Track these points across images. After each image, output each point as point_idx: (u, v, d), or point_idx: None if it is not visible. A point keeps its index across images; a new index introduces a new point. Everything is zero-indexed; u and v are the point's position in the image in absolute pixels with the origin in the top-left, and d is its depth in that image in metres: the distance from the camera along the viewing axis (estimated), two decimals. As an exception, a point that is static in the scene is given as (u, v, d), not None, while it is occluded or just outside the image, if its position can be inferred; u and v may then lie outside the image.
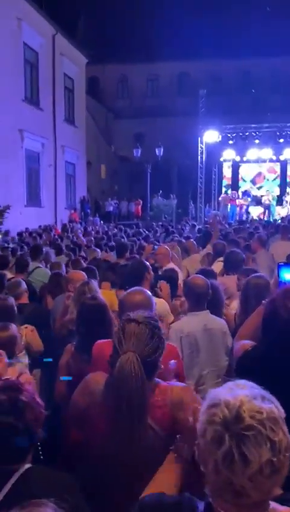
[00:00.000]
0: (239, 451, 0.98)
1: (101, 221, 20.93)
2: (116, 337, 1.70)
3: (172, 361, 1.97)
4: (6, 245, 10.47)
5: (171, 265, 5.05)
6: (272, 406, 1.03)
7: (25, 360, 3.12)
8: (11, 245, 10.25)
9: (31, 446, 1.55)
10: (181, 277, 5.42)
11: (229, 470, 0.99)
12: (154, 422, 1.66)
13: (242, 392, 1.04)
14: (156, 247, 7.07)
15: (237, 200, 21.57)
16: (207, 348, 2.92)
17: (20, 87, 17.32)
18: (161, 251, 5.32)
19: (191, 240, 7.35)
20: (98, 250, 7.60)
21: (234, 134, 21.23)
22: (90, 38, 31.61)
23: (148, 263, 4.00)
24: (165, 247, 5.52)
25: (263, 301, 2.26)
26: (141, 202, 24.59)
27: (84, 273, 4.40)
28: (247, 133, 21.09)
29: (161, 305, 3.27)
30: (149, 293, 2.40)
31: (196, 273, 4.22)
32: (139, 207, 24.75)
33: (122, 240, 9.66)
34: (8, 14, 15.88)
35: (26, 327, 3.59)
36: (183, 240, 8.23)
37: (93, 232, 14.59)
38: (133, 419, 1.59)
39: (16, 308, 3.56)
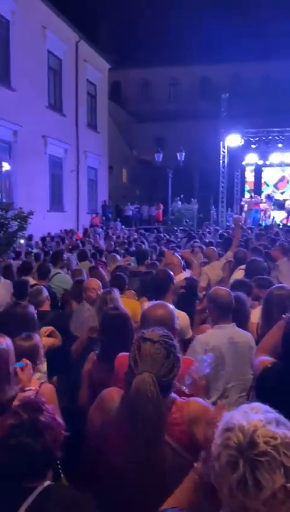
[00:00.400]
0: (253, 476, 0.99)
1: (123, 226, 21.02)
2: (132, 356, 1.69)
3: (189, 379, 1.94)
4: (30, 249, 10.65)
5: (184, 274, 5.00)
6: (287, 431, 1.03)
7: (44, 368, 3.17)
8: (34, 250, 10.41)
9: (50, 464, 1.56)
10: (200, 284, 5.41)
11: (243, 494, 1.00)
12: (173, 440, 1.66)
13: (256, 417, 1.05)
14: (176, 253, 7.04)
15: (260, 205, 21.36)
16: (232, 361, 2.88)
17: (44, 94, 17.62)
18: (172, 260, 5.29)
19: (212, 247, 7.30)
20: (118, 256, 7.62)
21: (257, 138, 21.08)
22: (112, 44, 31.92)
23: (172, 273, 4.02)
24: (177, 257, 5.49)
25: (283, 315, 2.24)
26: (162, 207, 24.61)
27: (99, 281, 4.45)
28: (270, 137, 20.90)
29: (182, 318, 3.26)
30: (171, 307, 2.40)
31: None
32: (160, 211, 24.78)
33: (142, 245, 9.67)
34: (33, 23, 16.21)
35: (45, 331, 3.64)
36: (204, 247, 8.19)
37: (114, 237, 14.68)
38: (148, 439, 1.59)
39: (36, 316, 3.61)
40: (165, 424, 1.63)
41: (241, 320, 3.17)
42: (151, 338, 1.71)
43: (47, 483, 1.52)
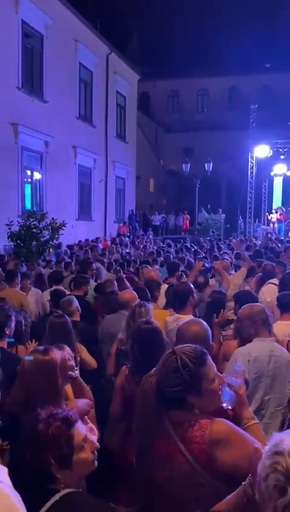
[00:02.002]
0: None
1: (151, 236, 21.09)
2: None
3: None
4: (61, 258, 10.82)
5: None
6: None
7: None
8: (66, 259, 10.56)
9: (50, 477, 1.56)
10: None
11: None
12: (192, 457, 1.67)
13: None
14: (206, 264, 7.05)
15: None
16: (272, 374, 2.92)
17: (75, 105, 18.00)
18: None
19: (226, 259, 7.33)
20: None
21: (286, 149, 20.88)
22: (141, 55, 32.36)
23: (192, 286, 4.07)
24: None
25: None
26: (189, 216, 24.64)
27: (135, 292, 4.49)
28: (299, 147, 20.68)
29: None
30: (206, 324, 2.44)
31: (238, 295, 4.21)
32: (187, 221, 24.80)
33: (171, 256, 9.70)
34: (65, 36, 16.64)
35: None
36: (228, 259, 8.15)
37: (141, 246, 14.76)
38: (142, 439, 1.71)
39: (71, 325, 3.68)
40: (155, 428, 1.71)
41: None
42: (175, 349, 1.80)
43: (68, 490, 1.52)
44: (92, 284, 6.64)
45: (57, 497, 1.49)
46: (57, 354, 2.15)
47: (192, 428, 1.69)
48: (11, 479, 1.34)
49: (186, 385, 1.70)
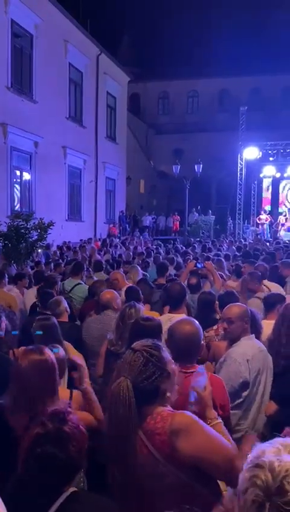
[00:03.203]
0: None
1: (145, 237, 21.03)
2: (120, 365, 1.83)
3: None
4: (57, 259, 10.75)
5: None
6: None
7: (65, 381, 3.20)
8: (59, 260, 10.50)
9: (75, 472, 1.59)
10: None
11: None
12: (155, 449, 1.70)
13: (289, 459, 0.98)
14: (199, 265, 7.05)
15: (279, 218, 21.27)
16: (263, 369, 3.00)
17: (65, 106, 17.94)
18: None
19: (221, 260, 7.38)
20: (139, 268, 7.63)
21: (275, 151, 21.04)
22: (132, 56, 32.39)
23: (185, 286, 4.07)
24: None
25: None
26: (179, 217, 24.67)
27: (115, 292, 4.45)
28: (288, 150, 20.85)
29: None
30: (198, 323, 2.43)
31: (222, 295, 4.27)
32: (177, 222, 24.84)
33: (160, 257, 9.69)
34: (55, 37, 16.58)
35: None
36: (223, 260, 8.17)
37: (131, 247, 14.73)
38: (121, 439, 1.69)
39: (59, 327, 3.65)
40: (136, 426, 1.71)
41: (256, 335, 3.27)
42: (133, 347, 1.82)
43: (72, 489, 1.55)
44: (83, 285, 6.61)
45: (63, 497, 1.51)
46: (50, 353, 2.15)
47: (154, 421, 1.72)
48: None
49: (159, 371, 1.76)
